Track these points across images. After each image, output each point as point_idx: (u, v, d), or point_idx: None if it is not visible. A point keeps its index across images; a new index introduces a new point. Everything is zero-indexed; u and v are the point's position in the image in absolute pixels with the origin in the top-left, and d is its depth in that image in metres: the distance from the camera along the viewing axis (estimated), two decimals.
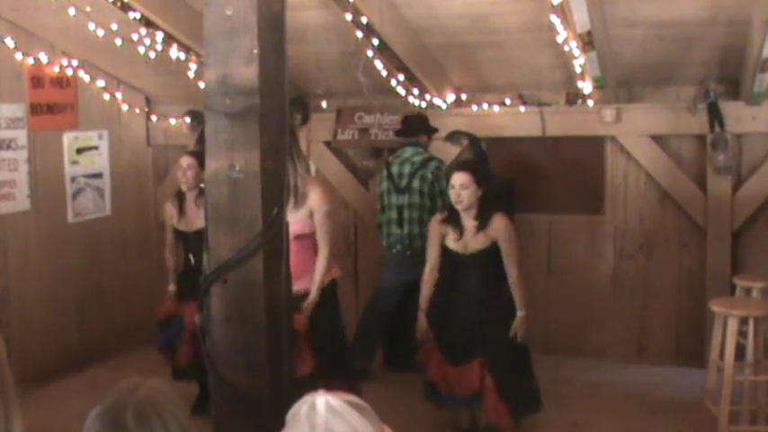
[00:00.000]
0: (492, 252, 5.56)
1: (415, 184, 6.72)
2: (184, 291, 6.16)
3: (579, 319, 7.54)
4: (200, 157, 5.71)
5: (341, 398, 2.04)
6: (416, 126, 7.07)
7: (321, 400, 2.02)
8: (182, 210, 6.34)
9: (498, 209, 5.63)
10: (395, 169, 6.87)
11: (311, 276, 5.39)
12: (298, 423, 2.02)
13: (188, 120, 6.95)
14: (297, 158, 5.23)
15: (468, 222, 5.58)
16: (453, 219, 5.61)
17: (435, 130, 7.12)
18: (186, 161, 6.27)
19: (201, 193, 5.79)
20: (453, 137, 7.10)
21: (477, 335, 5.55)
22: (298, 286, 5.09)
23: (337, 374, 5.28)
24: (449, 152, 7.15)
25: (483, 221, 5.54)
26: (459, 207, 5.55)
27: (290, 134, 4.98)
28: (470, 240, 5.59)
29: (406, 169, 6.82)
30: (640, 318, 7.38)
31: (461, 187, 5.50)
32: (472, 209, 5.55)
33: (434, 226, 5.74)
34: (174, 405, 2.17)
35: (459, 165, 5.83)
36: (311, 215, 5.39)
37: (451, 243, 5.64)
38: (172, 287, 6.38)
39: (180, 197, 6.38)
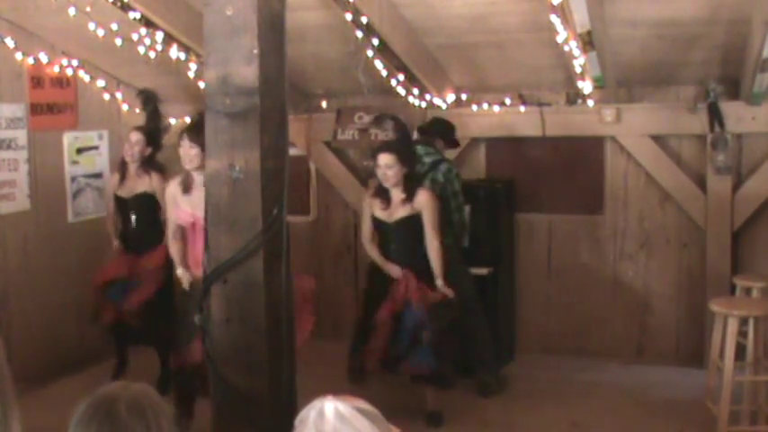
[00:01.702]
0: (413, 221, 6.02)
1: (425, 185, 6.62)
2: (128, 248, 6.83)
3: (579, 318, 7.54)
4: (147, 132, 6.68)
5: (350, 403, 2.03)
6: (436, 130, 6.98)
7: (330, 407, 2.01)
8: (123, 178, 6.84)
9: (421, 185, 6.15)
10: None
11: None
12: (306, 429, 2.01)
13: (142, 98, 7.07)
14: None
15: (396, 196, 6.05)
16: (382, 193, 6.09)
17: (457, 143, 7.11)
18: (135, 137, 6.78)
19: (143, 164, 6.73)
20: (378, 121, 7.13)
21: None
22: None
23: None
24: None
25: (409, 195, 6.00)
26: (386, 185, 6.03)
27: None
28: (395, 210, 6.07)
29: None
30: (640, 318, 7.38)
31: (386, 167, 5.97)
32: (399, 185, 6.01)
33: (366, 200, 6.30)
34: (164, 404, 2.17)
35: (383, 146, 6.23)
36: None
37: (378, 212, 6.14)
38: (116, 243, 6.95)
39: (122, 168, 6.86)
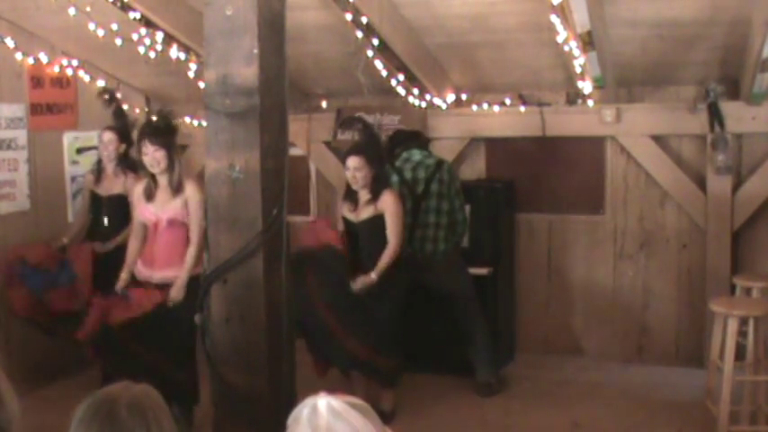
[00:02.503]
0: (376, 221, 6.09)
1: (434, 187, 6.58)
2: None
3: (579, 319, 7.54)
4: (118, 131, 6.70)
5: (342, 399, 2.04)
6: (418, 134, 7.04)
7: (323, 403, 2.02)
8: (99, 177, 6.85)
9: (389, 186, 6.23)
10: (408, 174, 6.65)
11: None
12: (300, 427, 2.01)
13: (105, 97, 7.09)
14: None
15: (364, 196, 6.15)
16: (350, 195, 6.22)
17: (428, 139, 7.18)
18: (107, 136, 6.77)
19: (119, 163, 6.73)
20: (346, 123, 7.16)
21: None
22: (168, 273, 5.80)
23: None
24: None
25: (374, 195, 6.09)
26: (355, 187, 6.12)
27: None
28: (362, 210, 6.16)
29: (421, 174, 6.63)
30: (640, 318, 7.38)
31: (355, 170, 6.06)
32: (367, 187, 6.10)
33: (340, 203, 6.47)
34: (165, 406, 2.17)
35: (352, 149, 6.29)
36: (186, 204, 5.84)
37: (347, 213, 6.26)
38: (65, 240, 6.85)
39: (99, 166, 6.88)
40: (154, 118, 6.32)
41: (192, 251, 5.77)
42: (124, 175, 6.74)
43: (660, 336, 7.34)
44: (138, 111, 8.18)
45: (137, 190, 6.06)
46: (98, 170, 6.88)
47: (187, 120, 8.10)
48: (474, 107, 7.46)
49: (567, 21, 5.97)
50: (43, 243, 6.85)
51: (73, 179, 7.61)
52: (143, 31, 6.78)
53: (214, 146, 4.07)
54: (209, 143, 4.10)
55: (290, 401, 4.13)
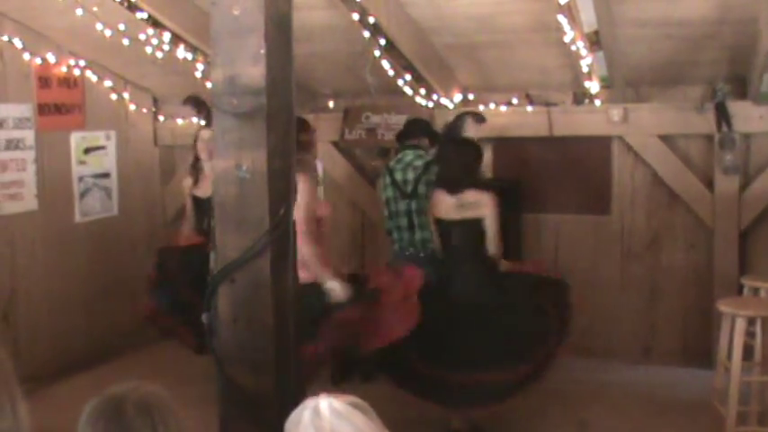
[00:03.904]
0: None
1: (421, 189, 6.57)
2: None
3: (586, 319, 7.49)
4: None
5: (342, 399, 2.03)
6: (420, 129, 6.96)
7: (324, 404, 2.01)
8: (197, 179, 6.94)
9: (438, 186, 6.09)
10: (398, 176, 6.61)
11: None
12: (302, 429, 2.00)
13: (191, 106, 7.10)
14: None
15: None
16: None
17: (437, 135, 6.99)
18: (207, 134, 6.70)
19: None
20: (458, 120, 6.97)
21: None
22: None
23: None
24: None
25: None
26: None
27: None
28: None
29: (410, 175, 6.61)
30: (647, 318, 7.37)
31: None
32: None
33: None
34: (173, 406, 2.17)
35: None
36: None
37: None
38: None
39: (195, 169, 6.99)
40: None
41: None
42: None
43: (667, 336, 7.33)
44: (145, 111, 8.20)
45: None
46: (195, 171, 6.99)
47: (194, 120, 8.12)
48: (481, 107, 7.44)
49: (574, 20, 5.96)
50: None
51: (80, 179, 7.64)
52: (150, 31, 6.80)
53: (221, 146, 4.07)
54: (217, 143, 4.10)
55: (297, 402, 4.13)
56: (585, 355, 7.46)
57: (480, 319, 5.66)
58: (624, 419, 6.18)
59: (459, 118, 6.78)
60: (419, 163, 6.60)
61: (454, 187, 5.88)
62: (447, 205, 5.92)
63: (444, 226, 5.98)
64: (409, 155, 6.64)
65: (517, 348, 5.58)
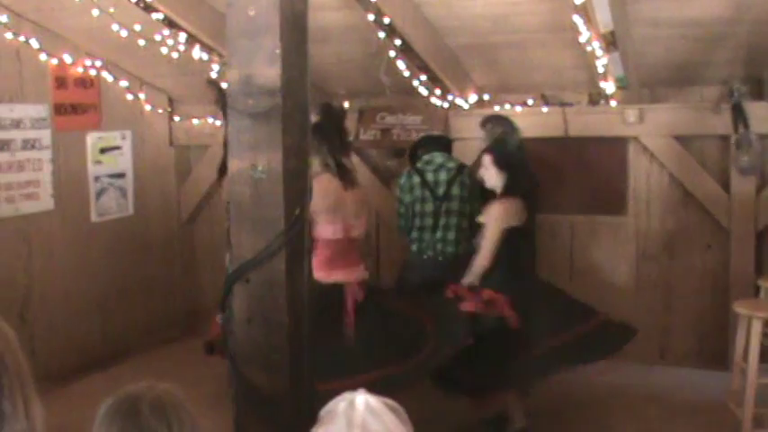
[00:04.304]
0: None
1: (455, 191, 6.56)
2: None
3: None
4: None
5: (380, 399, 2.06)
6: (438, 143, 6.98)
7: (361, 399, 2.05)
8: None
9: (512, 194, 5.86)
10: (430, 177, 6.61)
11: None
12: (335, 419, 2.04)
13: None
14: None
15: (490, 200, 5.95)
16: (486, 194, 6.06)
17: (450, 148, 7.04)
18: None
19: None
20: (488, 121, 6.92)
21: None
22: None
23: None
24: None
25: (489, 202, 5.93)
26: (488, 185, 5.95)
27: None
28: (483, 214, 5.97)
29: (443, 176, 6.61)
30: (663, 319, 7.35)
31: (483, 168, 5.94)
32: (495, 189, 5.90)
33: None
34: (188, 406, 2.18)
35: (487, 146, 6.14)
36: None
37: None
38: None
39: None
40: None
41: None
42: None
43: (683, 337, 7.30)
44: (160, 111, 8.21)
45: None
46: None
47: (209, 120, 8.14)
48: (496, 107, 7.44)
49: (589, 21, 5.95)
50: None
51: (96, 179, 7.66)
52: (166, 31, 6.81)
53: (236, 146, 4.07)
54: (232, 143, 4.11)
55: (311, 401, 4.14)
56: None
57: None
58: (639, 421, 6.16)
59: (499, 122, 6.74)
60: (452, 165, 6.61)
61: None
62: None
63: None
64: (439, 157, 6.66)
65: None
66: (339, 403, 2.07)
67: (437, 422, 5.90)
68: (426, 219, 6.56)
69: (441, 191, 6.56)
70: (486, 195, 6.37)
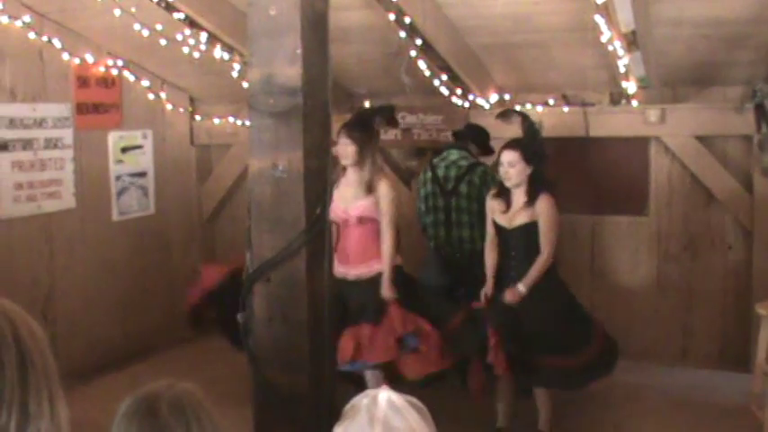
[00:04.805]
0: (531, 228, 5.65)
1: (463, 188, 6.57)
2: None
3: (622, 320, 7.46)
4: None
5: (402, 396, 2.07)
6: (475, 135, 6.98)
7: (383, 395, 2.06)
8: None
9: (547, 189, 5.72)
10: (440, 172, 6.69)
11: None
12: (357, 414, 2.05)
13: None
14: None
15: (518, 198, 5.70)
16: (504, 194, 5.75)
17: (491, 150, 6.92)
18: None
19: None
20: (505, 115, 6.89)
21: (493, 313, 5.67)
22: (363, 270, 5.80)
23: None
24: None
25: (531, 198, 5.64)
26: (507, 184, 5.69)
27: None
28: (515, 215, 5.70)
29: (453, 173, 6.64)
30: (684, 320, 7.31)
31: (509, 165, 5.63)
32: (522, 186, 5.67)
33: (488, 202, 5.90)
34: (208, 405, 2.18)
35: (509, 143, 5.86)
36: (377, 203, 5.76)
37: (498, 217, 5.78)
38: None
39: None
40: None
41: (386, 248, 5.77)
42: None
43: (704, 338, 7.26)
44: (181, 110, 8.23)
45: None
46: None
47: (231, 119, 8.16)
48: (517, 107, 7.42)
49: (611, 20, 5.92)
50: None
51: (117, 178, 7.70)
52: (187, 31, 6.83)
53: (257, 145, 4.09)
54: (253, 142, 4.12)
55: (331, 400, 4.15)
56: (621, 356, 7.40)
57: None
58: (659, 422, 6.13)
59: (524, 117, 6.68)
60: (464, 163, 6.62)
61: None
62: None
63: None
64: (454, 154, 6.69)
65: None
66: (363, 399, 2.08)
67: (462, 422, 5.89)
68: (439, 214, 6.62)
69: (449, 186, 6.59)
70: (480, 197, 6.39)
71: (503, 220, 5.76)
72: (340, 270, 5.66)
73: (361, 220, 5.77)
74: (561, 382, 5.76)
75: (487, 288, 5.78)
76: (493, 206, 5.82)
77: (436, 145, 7.39)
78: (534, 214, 5.64)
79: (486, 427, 6.00)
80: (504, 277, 5.77)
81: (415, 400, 2.10)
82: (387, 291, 5.67)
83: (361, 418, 2.03)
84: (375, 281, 5.73)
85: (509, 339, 5.49)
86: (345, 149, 5.71)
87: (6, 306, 1.83)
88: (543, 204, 5.64)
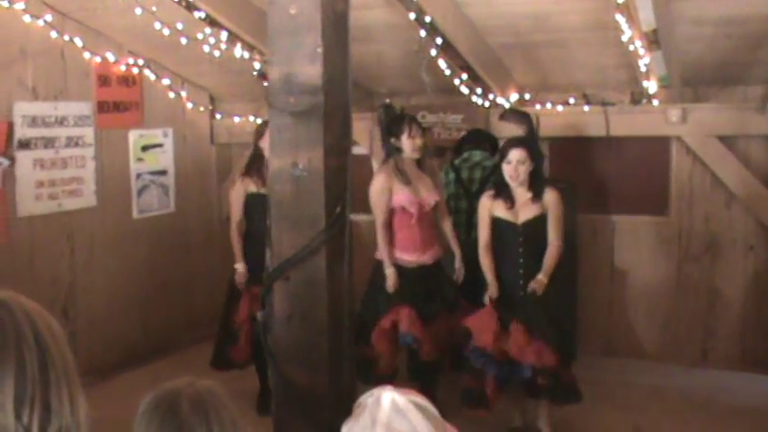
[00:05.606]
0: (540, 221, 5.72)
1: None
2: None
3: (642, 321, 7.45)
4: None
5: (408, 396, 2.04)
6: (486, 136, 7.04)
7: (387, 397, 2.03)
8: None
9: (547, 183, 5.88)
10: (465, 174, 6.72)
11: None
12: (362, 413, 2.03)
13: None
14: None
15: (522, 195, 5.75)
16: (504, 193, 5.77)
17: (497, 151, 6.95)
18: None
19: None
20: (506, 115, 6.95)
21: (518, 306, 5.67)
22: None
23: None
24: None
25: (537, 193, 5.73)
26: (514, 183, 5.71)
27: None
28: (523, 210, 5.75)
29: (478, 174, 6.67)
30: (705, 321, 7.27)
31: (519, 163, 5.68)
32: (525, 184, 5.73)
33: (485, 203, 5.87)
34: (228, 403, 2.18)
35: (516, 141, 5.90)
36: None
37: (502, 213, 5.78)
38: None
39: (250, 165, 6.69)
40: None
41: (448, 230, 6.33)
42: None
43: (726, 339, 7.22)
44: (202, 109, 8.24)
45: (381, 180, 6.04)
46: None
47: (251, 118, 8.18)
48: (537, 106, 7.40)
49: (632, 19, 5.90)
50: None
51: (138, 176, 7.74)
52: (207, 30, 6.85)
53: (277, 144, 4.09)
54: (273, 141, 4.12)
55: (351, 399, 4.15)
56: (640, 357, 7.39)
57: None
58: (679, 424, 6.11)
59: (524, 118, 6.69)
60: (488, 164, 6.63)
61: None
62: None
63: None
64: (477, 155, 6.71)
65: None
66: (368, 398, 2.07)
67: (474, 420, 5.88)
68: (460, 216, 6.61)
69: (474, 188, 6.59)
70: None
71: (509, 216, 5.76)
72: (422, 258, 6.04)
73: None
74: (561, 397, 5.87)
75: (492, 290, 5.73)
76: (493, 205, 5.81)
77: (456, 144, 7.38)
78: (543, 207, 5.72)
79: (500, 426, 6.00)
80: (506, 275, 5.77)
81: (420, 399, 2.08)
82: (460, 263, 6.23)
83: (365, 420, 2.02)
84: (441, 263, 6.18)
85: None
86: (416, 142, 6.03)
87: (27, 305, 1.84)
88: (551, 197, 5.74)
